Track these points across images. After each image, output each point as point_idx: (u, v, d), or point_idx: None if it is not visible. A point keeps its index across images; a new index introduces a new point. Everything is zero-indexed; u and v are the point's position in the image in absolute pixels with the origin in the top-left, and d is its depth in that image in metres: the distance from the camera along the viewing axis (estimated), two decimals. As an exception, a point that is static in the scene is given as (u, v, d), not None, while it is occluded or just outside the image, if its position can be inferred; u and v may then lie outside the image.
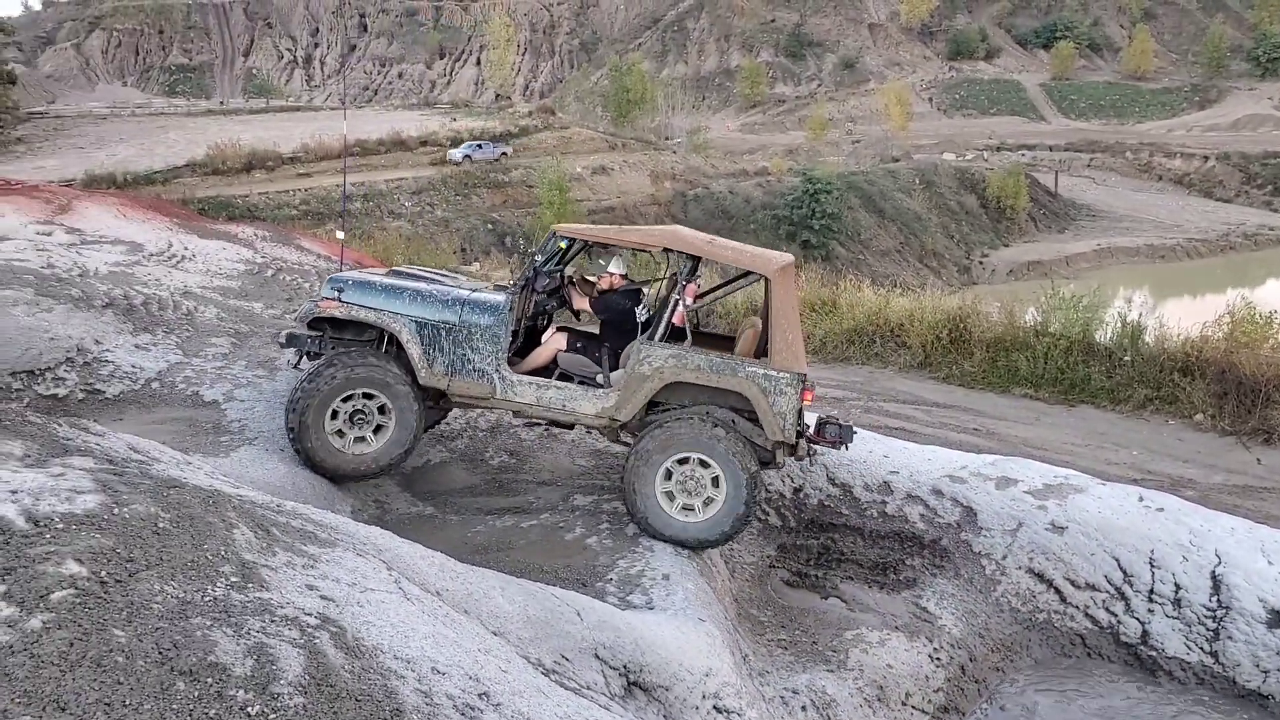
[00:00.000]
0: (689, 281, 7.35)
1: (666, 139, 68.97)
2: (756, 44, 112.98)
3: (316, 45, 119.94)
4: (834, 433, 7.28)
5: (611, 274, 7.81)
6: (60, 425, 5.01)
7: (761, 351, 7.17)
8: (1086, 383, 14.41)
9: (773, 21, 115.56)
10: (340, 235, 10.17)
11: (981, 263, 60.41)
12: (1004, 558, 8.06)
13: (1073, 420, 13.85)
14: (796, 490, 8.81)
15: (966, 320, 15.45)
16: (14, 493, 3.46)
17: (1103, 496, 8.46)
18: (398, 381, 7.07)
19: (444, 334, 7.16)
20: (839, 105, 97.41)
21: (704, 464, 6.89)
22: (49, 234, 9.80)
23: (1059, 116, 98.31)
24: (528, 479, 8.21)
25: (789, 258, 7.09)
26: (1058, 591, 7.87)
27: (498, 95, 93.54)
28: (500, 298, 7.28)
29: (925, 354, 15.44)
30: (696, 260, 7.36)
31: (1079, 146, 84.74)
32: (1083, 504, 8.31)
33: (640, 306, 7.65)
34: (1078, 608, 7.80)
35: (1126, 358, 14.51)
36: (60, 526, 3.28)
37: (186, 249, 12.78)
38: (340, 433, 7.11)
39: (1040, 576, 7.93)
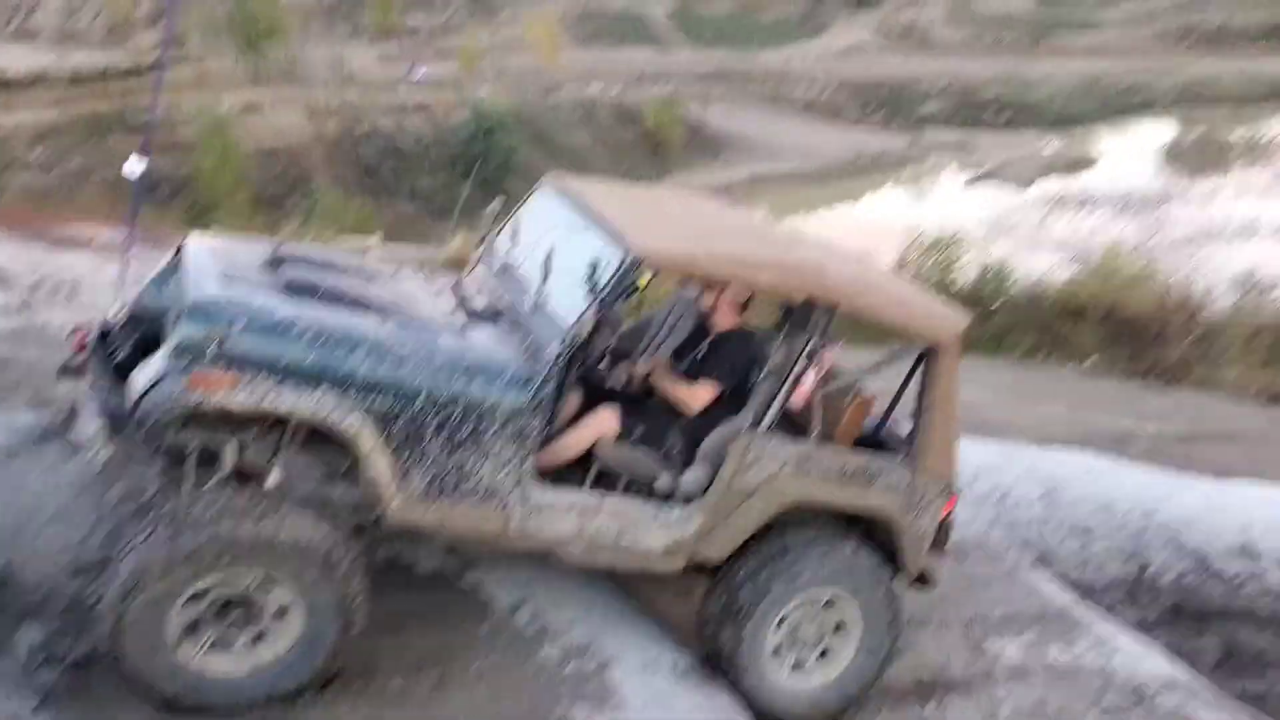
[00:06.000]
0: (824, 347, 4.46)
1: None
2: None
3: None
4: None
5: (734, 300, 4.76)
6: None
7: (870, 439, 4.86)
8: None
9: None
10: (132, 170, 5.17)
11: (652, 195, 61.33)
12: None
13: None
14: (1143, 568, 6.68)
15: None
16: None
17: None
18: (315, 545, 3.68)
19: (432, 423, 3.82)
20: (474, 36, 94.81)
21: (829, 604, 4.53)
22: None
23: (688, 47, 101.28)
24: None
25: (964, 319, 4.71)
26: None
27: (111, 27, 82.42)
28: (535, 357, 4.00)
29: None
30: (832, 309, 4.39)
31: (712, 76, 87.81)
32: None
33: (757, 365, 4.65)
34: None
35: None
36: None
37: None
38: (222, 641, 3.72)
39: None
